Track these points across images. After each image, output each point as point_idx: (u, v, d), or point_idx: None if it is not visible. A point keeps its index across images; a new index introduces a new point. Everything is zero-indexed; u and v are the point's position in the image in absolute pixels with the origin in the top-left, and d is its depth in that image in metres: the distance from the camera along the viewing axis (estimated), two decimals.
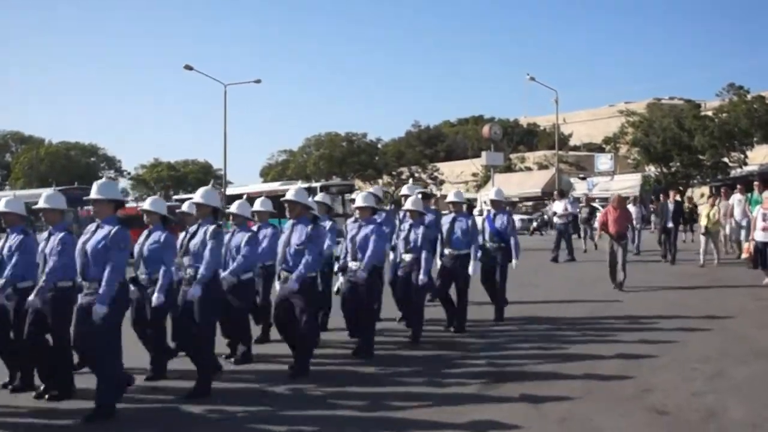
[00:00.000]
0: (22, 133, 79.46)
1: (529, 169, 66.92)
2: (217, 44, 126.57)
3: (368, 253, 8.53)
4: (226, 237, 8.15)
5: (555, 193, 25.93)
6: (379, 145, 71.60)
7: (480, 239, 10.68)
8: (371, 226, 8.76)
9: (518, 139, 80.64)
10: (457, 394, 6.89)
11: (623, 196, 15.45)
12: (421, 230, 9.38)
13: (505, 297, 10.98)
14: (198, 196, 7.46)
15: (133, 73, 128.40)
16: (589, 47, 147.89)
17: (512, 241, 10.95)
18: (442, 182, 68.02)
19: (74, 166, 69.98)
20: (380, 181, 69.04)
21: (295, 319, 7.65)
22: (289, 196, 7.86)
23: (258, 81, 45.44)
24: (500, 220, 11.01)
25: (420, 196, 10.38)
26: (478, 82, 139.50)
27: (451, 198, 10.51)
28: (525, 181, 58.09)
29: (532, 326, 10.39)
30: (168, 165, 77.59)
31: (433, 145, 76.45)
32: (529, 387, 7.01)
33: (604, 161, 58.50)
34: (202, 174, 76.05)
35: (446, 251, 10.15)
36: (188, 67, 41.73)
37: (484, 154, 41.98)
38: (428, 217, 10.19)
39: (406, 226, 9.62)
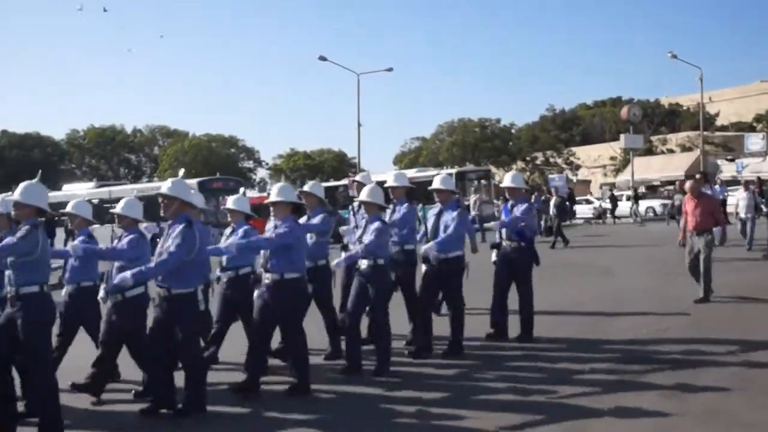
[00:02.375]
0: (168, 127, 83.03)
1: (671, 151, 64.07)
2: (349, 35, 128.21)
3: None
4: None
5: (696, 176, 24.43)
6: (513, 130, 70.54)
7: (497, 236, 9.31)
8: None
9: (659, 120, 77.29)
10: (602, 380, 6.82)
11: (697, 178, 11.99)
12: (374, 226, 7.56)
13: (531, 309, 8.93)
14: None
15: (269, 66, 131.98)
16: (735, 18, 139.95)
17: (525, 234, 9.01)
18: (578, 167, 66.32)
19: (215, 158, 72.34)
20: (514, 166, 68.10)
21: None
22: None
23: (390, 69, 45.71)
24: (518, 213, 8.99)
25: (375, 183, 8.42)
26: (616, 62, 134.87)
27: (435, 184, 8.60)
28: (667, 164, 55.66)
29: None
30: (304, 154, 79.06)
31: (569, 128, 74.60)
32: (676, 376, 6.79)
33: (755, 141, 54.82)
34: (336, 162, 77.11)
35: (432, 254, 8.31)
36: (322, 58, 42.88)
37: (622, 136, 40.76)
38: (401, 210, 8.58)
39: (362, 222, 8.13)
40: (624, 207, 36.74)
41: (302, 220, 8.12)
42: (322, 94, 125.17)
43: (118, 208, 7.04)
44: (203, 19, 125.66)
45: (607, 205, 37.24)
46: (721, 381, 6.62)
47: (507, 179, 9.30)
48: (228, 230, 8.29)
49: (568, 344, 8.59)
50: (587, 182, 60.88)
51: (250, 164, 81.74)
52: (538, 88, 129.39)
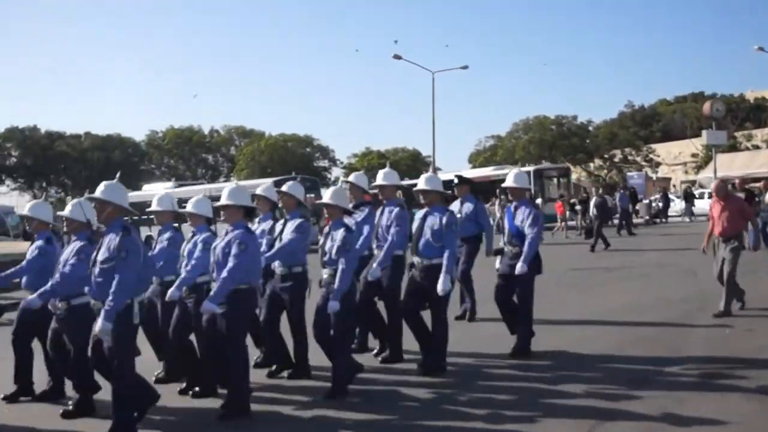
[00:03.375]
0: (244, 127, 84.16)
1: (756, 147, 61.88)
2: (424, 33, 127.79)
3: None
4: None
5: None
6: (591, 128, 69.21)
7: (501, 242, 8.42)
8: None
9: (744, 115, 74.90)
10: (677, 382, 6.70)
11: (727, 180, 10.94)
12: (340, 234, 6.92)
13: (529, 324, 8.14)
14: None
15: (345, 66, 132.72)
16: None
17: (527, 240, 8.02)
18: (658, 164, 64.70)
19: (291, 157, 73.05)
20: (591, 164, 66.88)
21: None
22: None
23: (465, 67, 45.37)
24: (521, 215, 8.16)
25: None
26: (698, 56, 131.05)
27: (421, 185, 7.76)
28: (751, 160, 53.63)
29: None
30: (378, 153, 79.17)
31: (648, 125, 72.94)
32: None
33: None
34: (411, 161, 77.02)
35: (415, 260, 7.67)
36: (397, 57, 42.88)
37: (704, 133, 39.48)
38: (391, 212, 7.93)
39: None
40: (681, 206, 35.79)
41: (279, 224, 7.73)
42: (397, 93, 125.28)
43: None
44: (279, 20, 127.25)
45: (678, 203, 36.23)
46: None
47: (510, 179, 8.42)
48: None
49: (645, 347, 8.19)
50: (667, 180, 59.33)
51: (325, 163, 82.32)
52: (616, 84, 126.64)
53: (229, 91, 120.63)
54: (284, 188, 7.76)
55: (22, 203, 71.17)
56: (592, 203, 23.21)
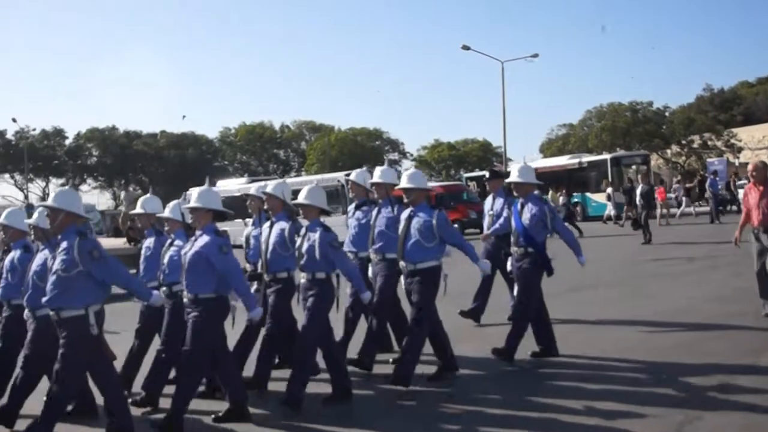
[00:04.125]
0: (314, 122, 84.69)
1: None
2: (492, 22, 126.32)
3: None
4: None
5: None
6: (667, 113, 67.33)
7: (510, 249, 7.90)
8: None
9: None
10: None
11: None
12: (317, 235, 6.53)
13: (523, 323, 7.65)
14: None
15: (412, 57, 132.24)
16: None
17: (565, 237, 7.74)
18: (740, 149, 62.50)
19: (361, 150, 73.22)
20: (668, 151, 65.11)
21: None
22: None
23: (535, 56, 44.73)
24: (528, 212, 7.63)
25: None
26: None
27: (403, 183, 7.26)
28: None
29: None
30: (448, 145, 78.78)
31: (729, 109, 70.40)
32: None
33: None
34: (481, 152, 76.43)
35: (401, 264, 7.17)
36: (465, 47, 42.79)
37: None
38: (384, 212, 7.59)
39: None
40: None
41: (265, 226, 7.32)
42: (466, 83, 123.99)
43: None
44: (346, 13, 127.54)
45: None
46: None
47: (514, 173, 7.92)
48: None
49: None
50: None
51: (395, 156, 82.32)
52: (692, 68, 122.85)
53: (299, 87, 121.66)
54: (268, 189, 7.30)
55: (103, 201, 73.47)
56: (638, 192, 21.73)
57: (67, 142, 78.21)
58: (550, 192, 33.05)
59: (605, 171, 33.61)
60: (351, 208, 8.31)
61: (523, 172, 7.83)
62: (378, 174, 7.77)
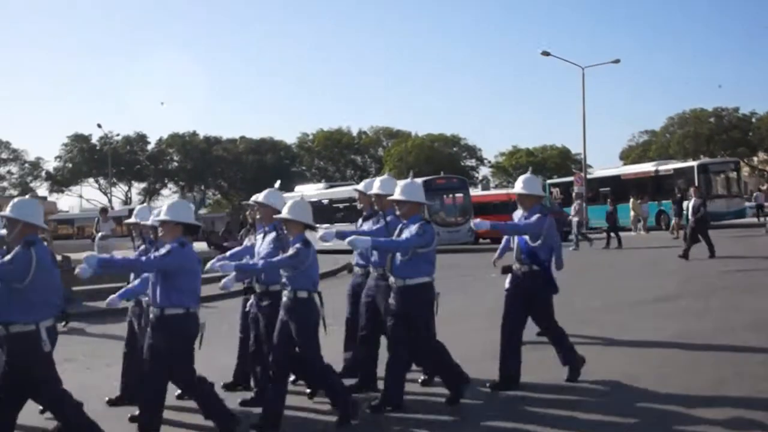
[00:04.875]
0: (391, 128, 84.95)
1: None
2: (573, 27, 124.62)
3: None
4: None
5: None
6: (753, 119, 65.32)
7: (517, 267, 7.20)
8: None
9: None
10: None
11: None
12: (291, 249, 6.16)
13: (565, 341, 7.16)
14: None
15: (491, 63, 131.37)
16: None
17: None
18: None
19: (438, 156, 73.15)
20: (755, 158, 63.14)
21: None
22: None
23: (616, 61, 43.89)
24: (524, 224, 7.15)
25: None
26: None
27: (396, 195, 6.79)
28: None
29: None
30: (526, 151, 78.13)
31: None
32: None
33: None
34: (560, 159, 75.56)
35: (390, 281, 6.63)
36: (545, 53, 42.35)
37: None
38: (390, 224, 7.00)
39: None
40: None
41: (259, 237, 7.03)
42: (545, 89, 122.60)
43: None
44: (421, 21, 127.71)
45: None
46: None
47: (518, 184, 7.27)
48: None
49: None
50: None
51: (472, 162, 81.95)
52: None
53: (376, 93, 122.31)
54: (260, 198, 7.02)
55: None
56: (690, 204, 19.56)
57: (149, 147, 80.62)
58: (631, 200, 32.38)
59: (692, 178, 32.47)
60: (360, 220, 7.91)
61: (527, 183, 7.24)
62: (378, 185, 7.40)
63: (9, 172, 78.82)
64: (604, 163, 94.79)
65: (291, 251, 6.10)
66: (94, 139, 76.42)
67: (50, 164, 78.38)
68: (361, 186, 7.96)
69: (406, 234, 6.47)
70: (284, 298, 6.25)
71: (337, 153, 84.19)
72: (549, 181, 44.36)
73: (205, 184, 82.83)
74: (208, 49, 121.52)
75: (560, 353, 7.18)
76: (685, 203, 20.05)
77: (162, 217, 5.93)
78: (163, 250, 5.77)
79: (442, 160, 69.55)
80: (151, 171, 79.40)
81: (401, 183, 6.85)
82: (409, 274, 6.44)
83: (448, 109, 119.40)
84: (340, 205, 33.01)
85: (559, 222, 26.54)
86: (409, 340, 6.50)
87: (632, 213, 32.19)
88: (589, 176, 39.62)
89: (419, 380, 7.30)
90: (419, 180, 7.43)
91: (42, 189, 74.80)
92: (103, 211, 22.73)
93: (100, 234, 19.88)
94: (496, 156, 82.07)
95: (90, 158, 76.54)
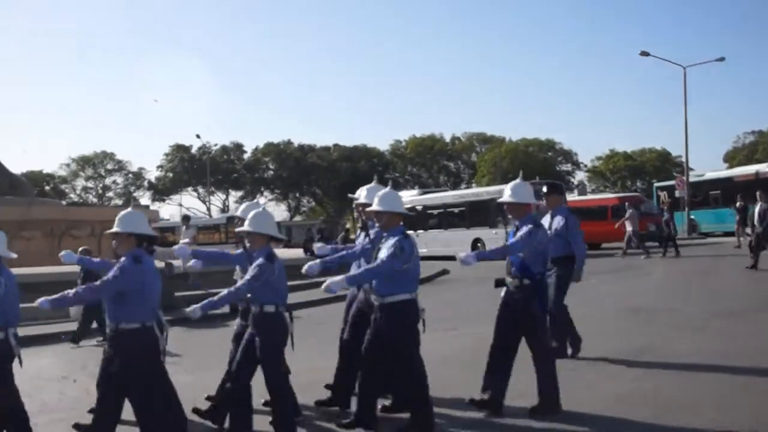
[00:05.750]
0: (484, 133, 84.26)
1: None
2: (673, 26, 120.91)
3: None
4: None
5: None
6: None
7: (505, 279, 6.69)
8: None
9: None
10: None
11: None
12: (255, 263, 5.90)
13: (549, 368, 6.45)
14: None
15: (588, 65, 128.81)
16: None
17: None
18: None
19: (533, 161, 72.15)
20: None
21: None
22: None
23: (721, 59, 42.26)
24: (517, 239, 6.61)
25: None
26: None
27: (374, 206, 6.36)
28: None
29: None
30: (624, 155, 76.26)
31: None
32: None
33: None
34: (659, 162, 73.42)
35: (371, 298, 6.29)
36: (644, 53, 41.56)
37: None
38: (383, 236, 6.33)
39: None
40: None
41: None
42: (643, 90, 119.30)
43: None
44: (519, 23, 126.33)
45: None
46: None
47: (506, 192, 6.79)
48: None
49: None
50: None
51: (568, 167, 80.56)
52: None
53: (469, 98, 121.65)
54: (239, 212, 6.91)
55: (278, 213, 76.52)
56: (756, 211, 17.97)
57: (246, 156, 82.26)
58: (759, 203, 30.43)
59: None
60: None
61: (516, 190, 6.76)
62: (364, 194, 6.99)
63: (114, 182, 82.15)
64: (707, 166, 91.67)
65: (251, 272, 5.80)
66: (193, 150, 78.73)
67: (152, 173, 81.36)
68: (362, 198, 7.20)
69: (383, 252, 6.02)
70: (251, 313, 6.00)
71: (430, 159, 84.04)
72: (657, 184, 42.84)
73: (300, 192, 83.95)
74: (301, 60, 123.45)
75: (538, 376, 6.47)
76: (757, 208, 17.98)
77: (114, 228, 5.63)
78: (112, 272, 5.44)
79: (537, 165, 68.51)
80: (247, 179, 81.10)
81: (380, 193, 6.38)
82: (389, 290, 6.02)
83: (543, 113, 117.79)
84: (434, 212, 32.68)
85: (658, 225, 25.63)
86: (384, 360, 6.10)
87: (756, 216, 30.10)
88: (698, 178, 38.01)
89: (380, 405, 6.60)
90: (527, 182, 6.96)
91: (144, 198, 77.73)
92: (185, 218, 22.97)
93: (181, 242, 20.16)
94: (592, 160, 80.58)
95: (189, 167, 78.85)
